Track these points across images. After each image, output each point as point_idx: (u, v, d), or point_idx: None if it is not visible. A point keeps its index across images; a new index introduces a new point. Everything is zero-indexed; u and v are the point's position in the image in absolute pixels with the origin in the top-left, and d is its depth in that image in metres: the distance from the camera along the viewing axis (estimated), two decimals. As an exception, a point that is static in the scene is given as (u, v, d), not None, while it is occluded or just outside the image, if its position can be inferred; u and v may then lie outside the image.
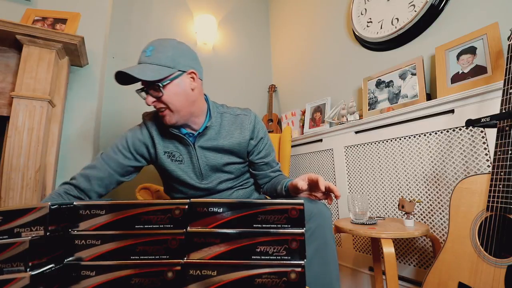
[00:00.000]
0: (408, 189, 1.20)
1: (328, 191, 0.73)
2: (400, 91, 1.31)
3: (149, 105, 0.79)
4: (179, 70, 0.78)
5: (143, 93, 0.80)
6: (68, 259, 0.44)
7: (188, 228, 0.45)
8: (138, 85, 0.81)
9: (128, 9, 1.97)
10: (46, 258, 0.42)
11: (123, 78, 0.75)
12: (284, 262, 0.44)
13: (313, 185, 0.74)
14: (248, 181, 0.99)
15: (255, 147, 0.92)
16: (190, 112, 0.82)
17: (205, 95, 0.90)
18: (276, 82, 2.52)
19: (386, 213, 1.29)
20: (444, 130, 1.08)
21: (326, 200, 0.77)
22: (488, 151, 0.94)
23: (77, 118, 1.39)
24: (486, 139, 0.95)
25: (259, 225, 0.45)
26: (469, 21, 1.14)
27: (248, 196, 0.98)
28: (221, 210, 0.46)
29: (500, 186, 0.70)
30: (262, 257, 0.44)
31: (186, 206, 0.46)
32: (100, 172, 0.82)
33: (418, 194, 1.16)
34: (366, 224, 1.00)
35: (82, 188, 0.80)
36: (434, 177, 1.11)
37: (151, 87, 0.77)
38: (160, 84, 0.76)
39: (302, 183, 0.71)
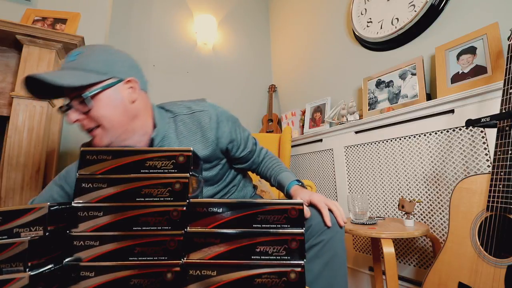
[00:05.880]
0: (408, 189, 1.20)
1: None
2: (400, 91, 1.31)
3: (71, 124, 0.62)
4: (114, 77, 0.63)
5: (61, 113, 0.64)
6: (67, 260, 0.44)
7: (188, 228, 0.45)
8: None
9: (128, 9, 1.98)
10: (45, 258, 0.42)
11: (38, 86, 0.60)
12: (284, 262, 0.44)
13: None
14: (233, 181, 0.88)
15: (230, 142, 0.77)
16: (129, 130, 0.66)
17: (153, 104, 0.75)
18: (276, 82, 2.52)
19: (386, 213, 1.29)
20: (444, 130, 1.08)
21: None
22: (488, 151, 0.94)
23: (77, 118, 1.39)
24: (486, 139, 0.95)
25: (258, 225, 0.45)
26: (469, 21, 1.14)
27: (242, 196, 0.90)
28: (220, 210, 0.46)
29: (500, 186, 0.70)
30: (261, 257, 0.44)
31: (184, 208, 0.46)
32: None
33: (418, 194, 1.16)
34: (366, 224, 0.99)
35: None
36: (434, 177, 1.11)
37: (76, 99, 0.61)
38: (86, 93, 0.59)
39: (306, 210, 0.65)
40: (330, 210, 0.69)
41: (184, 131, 0.73)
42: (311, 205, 0.71)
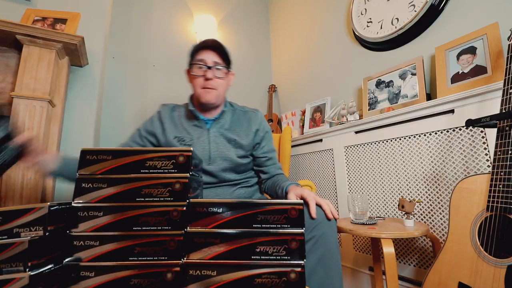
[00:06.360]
0: (408, 189, 1.20)
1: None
2: (400, 91, 1.31)
3: (208, 79, 0.89)
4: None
5: (198, 69, 0.90)
6: (67, 260, 0.44)
7: (188, 228, 0.45)
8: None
9: (128, 9, 1.97)
10: (45, 258, 0.42)
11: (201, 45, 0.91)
12: (284, 262, 0.44)
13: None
14: (251, 179, 1.01)
15: (262, 139, 1.00)
16: (222, 101, 0.97)
17: None
18: (276, 82, 2.52)
19: (386, 213, 1.29)
20: (444, 130, 1.08)
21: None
22: (488, 151, 0.94)
23: (77, 118, 1.39)
24: (486, 139, 0.95)
25: (258, 225, 0.45)
26: (469, 21, 1.14)
27: (249, 196, 0.98)
28: (220, 210, 0.46)
29: (500, 186, 0.70)
30: (261, 257, 0.44)
31: (184, 208, 0.46)
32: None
33: (418, 194, 1.16)
34: (366, 224, 0.99)
35: None
36: (434, 177, 1.11)
37: (217, 67, 0.91)
38: (229, 69, 0.95)
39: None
40: (319, 205, 0.72)
41: (236, 120, 1.00)
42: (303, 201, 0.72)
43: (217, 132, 0.95)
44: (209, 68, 0.89)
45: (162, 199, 0.46)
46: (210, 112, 0.96)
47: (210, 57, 0.90)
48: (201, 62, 0.90)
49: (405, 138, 1.22)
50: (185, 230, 0.45)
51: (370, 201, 1.36)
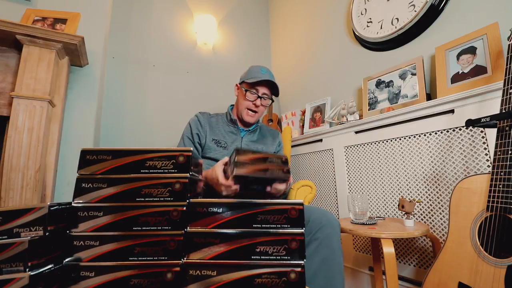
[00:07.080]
0: (408, 189, 1.20)
1: None
2: (400, 91, 1.31)
3: (256, 105, 1.13)
4: None
5: (251, 95, 1.12)
6: (67, 260, 0.44)
7: (188, 228, 0.45)
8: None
9: (128, 9, 1.97)
10: (45, 258, 0.42)
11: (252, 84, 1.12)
12: (284, 262, 0.44)
13: None
14: None
15: (278, 152, 1.23)
16: (257, 120, 1.22)
17: None
18: (276, 82, 2.52)
19: (386, 213, 1.29)
20: (444, 130, 1.08)
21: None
22: (488, 151, 0.94)
23: (77, 118, 1.39)
24: (486, 139, 0.95)
25: (258, 225, 0.45)
26: (469, 21, 1.14)
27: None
28: (220, 210, 0.46)
29: (500, 186, 0.70)
30: (261, 257, 0.44)
31: (184, 208, 0.46)
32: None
33: (418, 194, 1.16)
34: (366, 224, 0.99)
35: None
36: (434, 177, 1.11)
37: (264, 97, 1.13)
38: (273, 100, 1.20)
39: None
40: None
41: (264, 134, 1.25)
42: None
43: (249, 141, 1.17)
44: (259, 97, 1.12)
45: (162, 199, 0.46)
46: (247, 125, 1.20)
47: (262, 89, 1.13)
48: (255, 90, 1.12)
49: (405, 138, 1.22)
50: (185, 230, 0.45)
51: (370, 201, 1.36)
